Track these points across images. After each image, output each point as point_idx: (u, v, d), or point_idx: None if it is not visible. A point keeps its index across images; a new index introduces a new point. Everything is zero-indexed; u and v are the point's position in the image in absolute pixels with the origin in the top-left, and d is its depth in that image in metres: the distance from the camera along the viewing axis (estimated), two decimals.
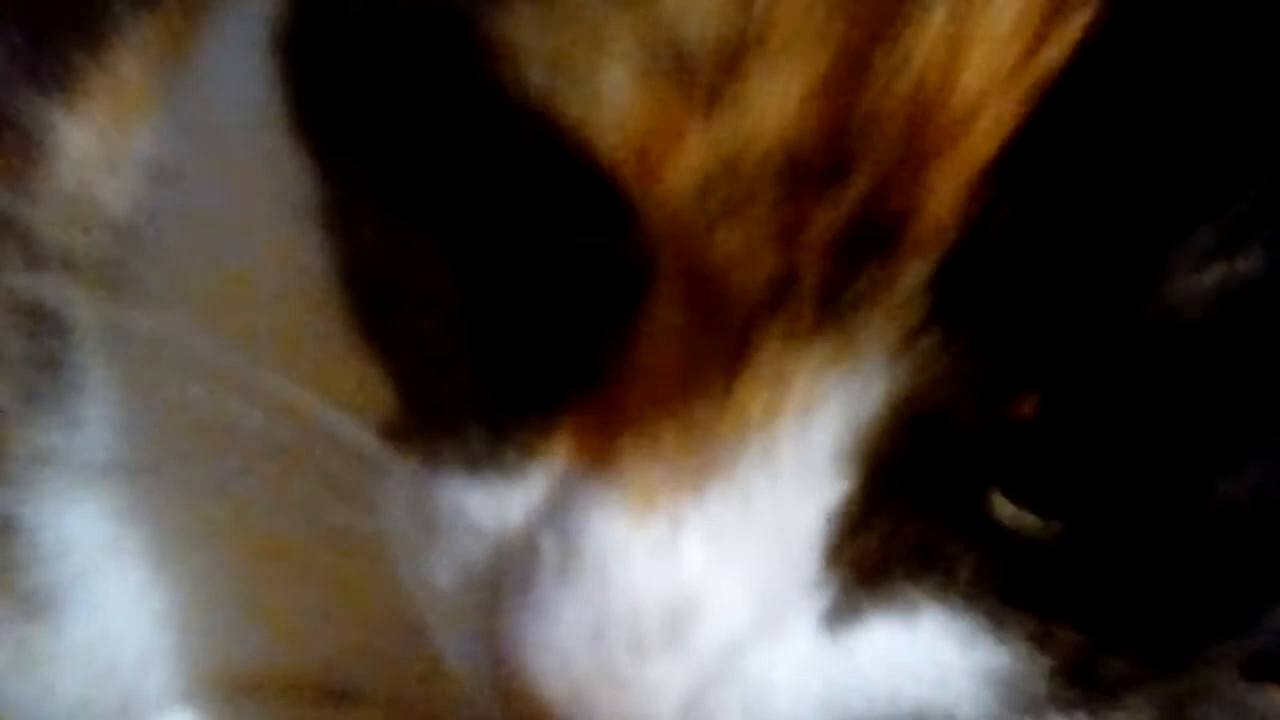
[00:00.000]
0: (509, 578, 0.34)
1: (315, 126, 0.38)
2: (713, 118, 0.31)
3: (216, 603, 0.45)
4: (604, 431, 0.33)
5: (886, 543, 0.33)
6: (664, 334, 0.32)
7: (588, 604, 0.32)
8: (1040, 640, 0.34)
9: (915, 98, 0.30)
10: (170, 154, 0.44)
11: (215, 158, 0.43)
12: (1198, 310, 0.31)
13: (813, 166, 0.30)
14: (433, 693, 0.42)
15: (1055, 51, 0.30)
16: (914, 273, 0.31)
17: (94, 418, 0.45)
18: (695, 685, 0.33)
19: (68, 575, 0.45)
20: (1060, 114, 0.30)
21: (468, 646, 0.35)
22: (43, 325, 0.45)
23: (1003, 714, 0.35)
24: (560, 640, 0.33)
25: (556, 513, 0.34)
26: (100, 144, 0.45)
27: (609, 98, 0.31)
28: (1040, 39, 0.30)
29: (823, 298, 0.31)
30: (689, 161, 0.31)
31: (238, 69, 0.41)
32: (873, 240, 0.31)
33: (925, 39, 0.30)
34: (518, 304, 0.34)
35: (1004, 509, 0.33)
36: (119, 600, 0.45)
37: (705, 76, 0.31)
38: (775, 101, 0.30)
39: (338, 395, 0.37)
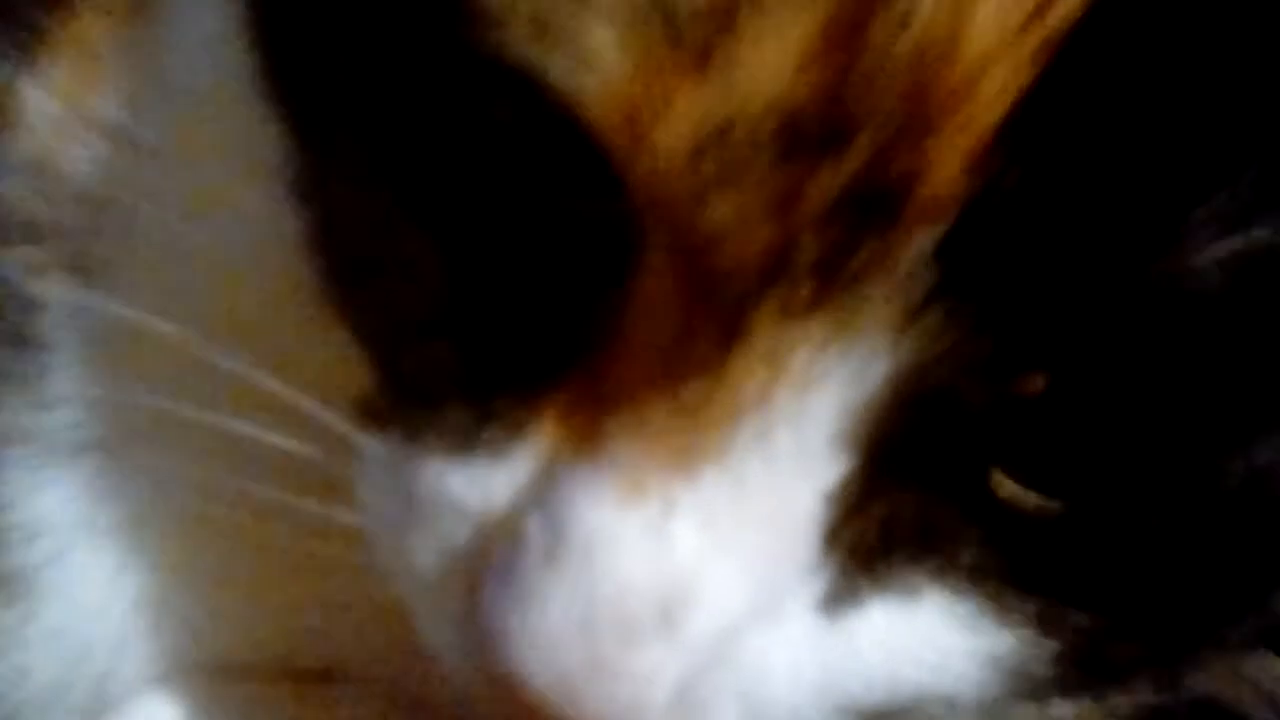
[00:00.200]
0: (493, 562, 0.34)
1: (289, 90, 0.38)
2: (704, 80, 0.30)
3: (191, 584, 0.46)
4: (592, 410, 0.33)
5: (886, 525, 0.33)
6: (654, 308, 0.32)
7: (576, 591, 0.32)
8: (1044, 623, 0.34)
9: (917, 58, 0.30)
10: (135, 120, 0.44)
11: (182, 124, 0.43)
12: (1214, 281, 0.30)
13: (809, 132, 0.30)
14: (415, 672, 0.42)
15: (1064, 9, 0.30)
16: (917, 244, 0.30)
17: (64, 396, 0.45)
18: (689, 673, 0.33)
19: (41, 558, 0.45)
20: (1070, 75, 0.30)
21: (450, 631, 0.35)
22: (9, 302, 0.45)
23: (1005, 698, 0.35)
24: (547, 629, 0.32)
25: (543, 495, 0.33)
26: (64, 108, 0.45)
27: (595, 59, 0.31)
28: None
29: (820, 271, 0.31)
30: (679, 126, 0.30)
31: (205, 30, 0.41)
32: (873, 210, 0.30)
33: None
34: (502, 275, 0.34)
35: (1005, 488, 0.33)
36: (93, 583, 0.46)
37: (696, 36, 0.30)
38: (769, 62, 0.30)
39: (310, 373, 0.37)
